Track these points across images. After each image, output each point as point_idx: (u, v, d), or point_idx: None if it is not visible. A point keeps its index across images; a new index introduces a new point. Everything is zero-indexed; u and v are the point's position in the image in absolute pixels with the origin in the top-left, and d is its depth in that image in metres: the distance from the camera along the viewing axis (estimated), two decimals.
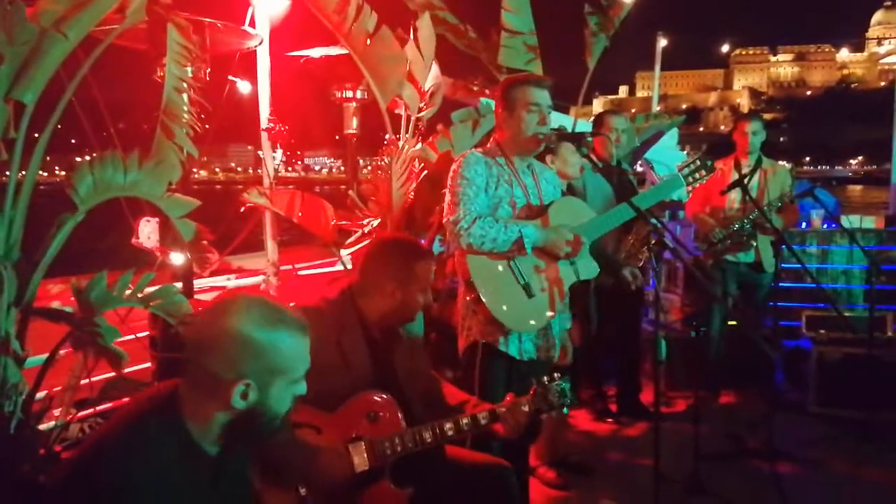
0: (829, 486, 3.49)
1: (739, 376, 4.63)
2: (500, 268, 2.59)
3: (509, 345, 2.67)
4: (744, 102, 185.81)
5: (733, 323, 4.58)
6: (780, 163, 4.65)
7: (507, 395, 2.16)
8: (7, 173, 2.23)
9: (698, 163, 3.01)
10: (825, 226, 5.52)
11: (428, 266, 2.18)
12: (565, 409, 2.18)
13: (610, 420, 4.32)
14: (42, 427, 2.47)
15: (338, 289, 2.17)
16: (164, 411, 1.37)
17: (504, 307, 2.58)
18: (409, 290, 2.13)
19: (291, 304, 1.51)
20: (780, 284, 5.05)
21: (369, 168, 3.89)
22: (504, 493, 2.27)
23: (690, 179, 3.00)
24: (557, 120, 5.39)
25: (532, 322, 2.63)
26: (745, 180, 4.31)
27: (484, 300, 2.58)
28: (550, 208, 2.73)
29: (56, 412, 2.87)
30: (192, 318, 1.43)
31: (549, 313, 2.66)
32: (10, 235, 2.12)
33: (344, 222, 3.66)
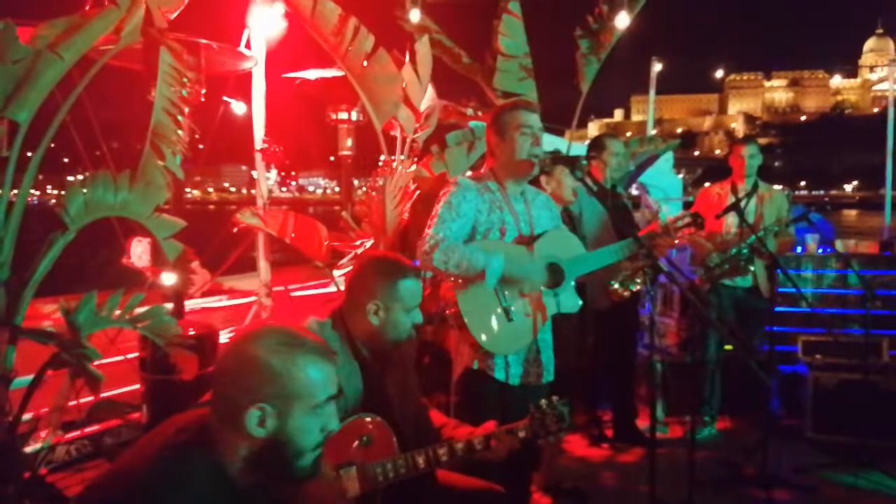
0: None
1: (736, 402, 4.60)
2: (485, 292, 2.57)
3: (498, 369, 2.64)
4: (738, 127, 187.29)
5: (729, 348, 4.55)
6: (777, 187, 4.66)
7: (489, 422, 2.13)
8: None
9: (688, 219, 3.03)
10: (820, 250, 5.53)
11: (412, 285, 2.11)
12: (563, 434, 2.15)
13: (605, 445, 4.28)
14: (28, 449, 2.44)
15: (329, 310, 2.14)
16: (196, 438, 1.35)
17: (484, 330, 2.57)
18: (391, 310, 2.08)
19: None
20: (776, 309, 5.05)
21: (364, 189, 3.88)
22: None
23: (680, 234, 3.02)
24: (551, 143, 5.41)
25: (512, 345, 2.61)
26: (743, 204, 4.31)
27: (465, 322, 2.56)
28: (539, 240, 2.72)
29: (43, 434, 2.83)
30: (223, 350, 1.42)
31: (530, 339, 2.64)
32: (0, 255, 2.10)
33: (337, 243, 3.65)
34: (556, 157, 2.82)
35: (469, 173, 2.96)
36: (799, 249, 5.62)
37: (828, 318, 5.25)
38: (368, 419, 2.01)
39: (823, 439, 4.26)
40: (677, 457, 3.71)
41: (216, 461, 1.34)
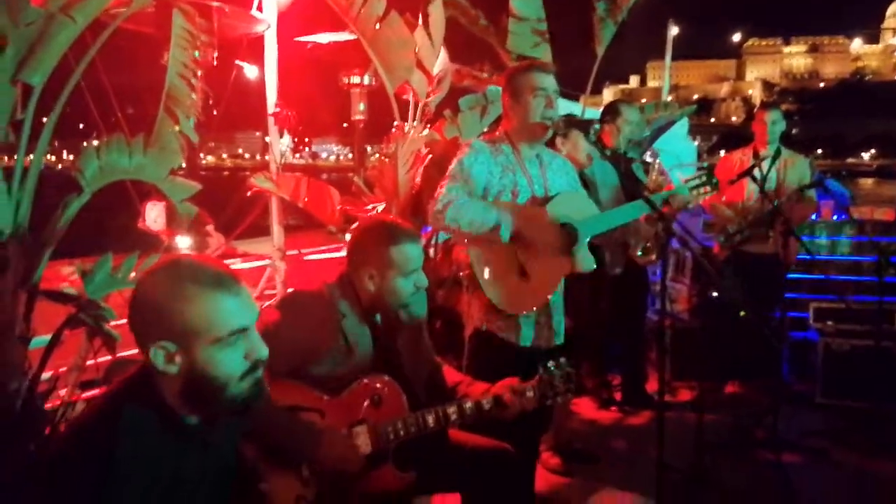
0: (833, 477, 3.48)
1: (746, 367, 4.61)
2: (498, 251, 2.57)
3: (508, 331, 2.67)
4: (756, 94, 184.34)
5: (742, 314, 4.55)
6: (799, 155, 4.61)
7: (509, 378, 2.15)
8: (15, 157, 2.24)
9: (703, 178, 3.01)
10: (835, 217, 5.48)
11: (410, 249, 2.07)
12: (570, 395, 2.18)
13: (614, 409, 4.32)
14: (47, 407, 2.49)
15: (337, 273, 2.16)
16: (137, 385, 1.35)
17: (497, 290, 2.59)
18: (387, 275, 2.06)
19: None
20: (788, 275, 5.03)
21: (377, 156, 3.88)
22: (507, 477, 2.27)
23: (693, 195, 3.02)
24: (566, 107, 5.36)
25: (528, 305, 2.63)
26: (765, 170, 4.28)
27: (480, 282, 2.58)
28: (552, 201, 2.71)
29: (62, 392, 2.89)
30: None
31: (545, 298, 2.65)
32: (17, 216, 2.13)
33: (349, 208, 3.66)
34: (570, 120, 2.80)
35: (483, 135, 2.95)
36: (814, 216, 5.58)
37: (841, 284, 5.22)
38: (379, 379, 2.04)
39: (833, 405, 4.28)
40: (686, 420, 3.76)
41: (159, 402, 1.34)
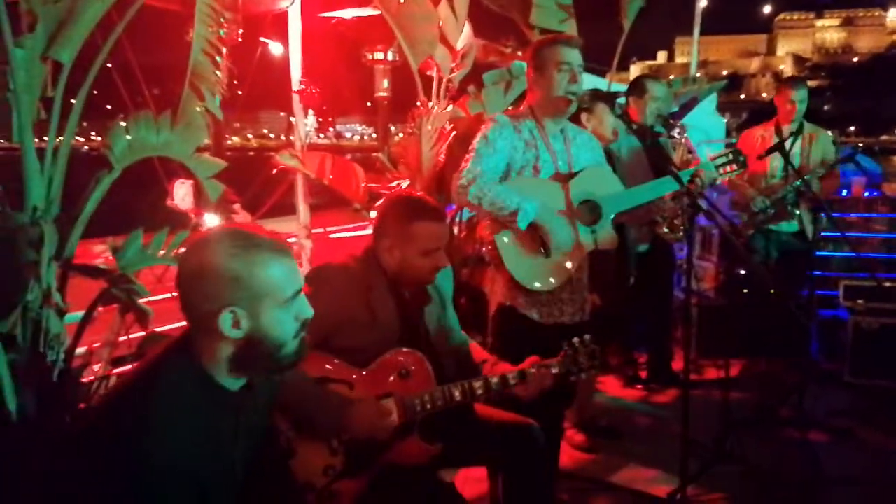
0: (859, 456, 3.46)
1: (773, 346, 4.57)
2: (521, 227, 2.57)
3: (531, 308, 2.67)
4: (787, 69, 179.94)
5: (772, 292, 4.50)
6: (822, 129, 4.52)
7: (532, 357, 2.16)
8: (46, 137, 2.28)
9: (731, 156, 2.97)
10: (867, 194, 5.37)
11: (431, 227, 2.07)
12: (595, 372, 2.18)
13: (639, 386, 4.31)
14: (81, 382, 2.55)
15: (363, 247, 2.18)
16: (178, 352, 1.40)
17: (521, 266, 2.59)
18: (407, 251, 2.06)
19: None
20: (819, 253, 4.96)
21: (401, 136, 3.87)
22: (532, 452, 2.29)
23: (722, 171, 2.98)
24: (591, 83, 5.29)
25: (550, 281, 2.63)
26: (788, 146, 4.20)
27: (503, 258, 2.59)
28: (575, 178, 2.70)
29: (95, 367, 2.96)
30: (178, 262, 1.45)
31: (567, 275, 2.65)
32: (49, 192, 2.17)
33: (374, 185, 3.67)
34: (595, 94, 2.77)
35: (507, 111, 2.93)
36: (844, 192, 5.48)
37: (872, 262, 5.13)
38: (407, 352, 2.06)
39: (862, 384, 4.23)
40: (712, 398, 3.74)
41: (199, 367, 1.39)
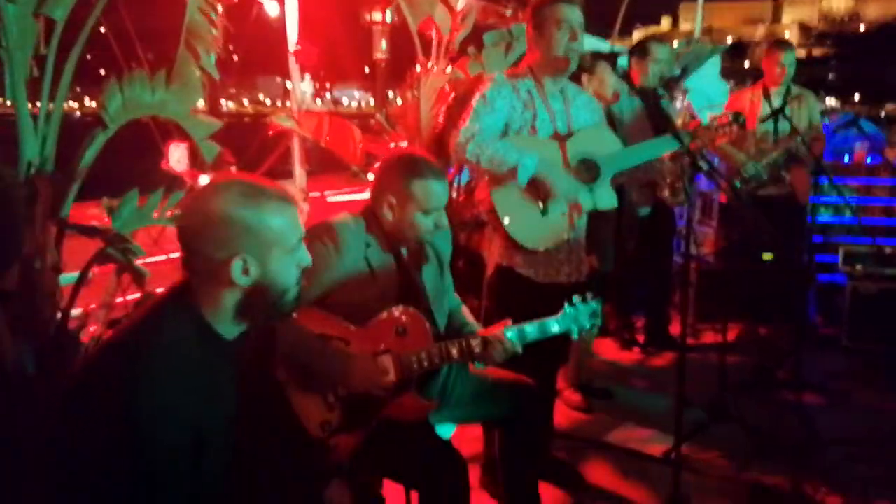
0: (854, 417, 3.48)
1: (771, 311, 4.57)
2: (519, 186, 2.56)
3: (529, 267, 2.66)
4: (793, 37, 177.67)
5: (768, 257, 4.49)
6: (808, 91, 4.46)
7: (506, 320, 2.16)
8: (38, 103, 2.26)
9: (731, 117, 2.93)
10: (869, 159, 5.32)
11: (432, 186, 2.06)
12: (595, 330, 2.19)
13: (636, 350, 4.34)
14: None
15: (363, 205, 2.17)
16: (176, 299, 1.41)
17: (519, 225, 2.59)
18: (408, 209, 2.06)
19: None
20: (818, 219, 4.93)
21: (399, 101, 3.82)
22: (528, 410, 2.31)
23: (722, 132, 2.95)
24: (593, 45, 5.23)
25: (547, 240, 2.62)
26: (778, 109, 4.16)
27: (500, 217, 2.58)
28: (573, 136, 2.68)
29: (92, 329, 2.97)
30: (181, 211, 1.46)
31: (565, 235, 2.64)
32: (43, 150, 2.16)
33: (371, 146, 3.64)
34: (597, 54, 2.74)
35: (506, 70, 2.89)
36: (846, 158, 5.43)
37: (874, 228, 5.10)
38: (404, 310, 2.06)
39: (859, 348, 4.25)
40: (709, 361, 3.77)
41: (199, 316, 1.40)
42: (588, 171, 2.65)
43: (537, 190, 2.57)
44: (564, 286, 2.65)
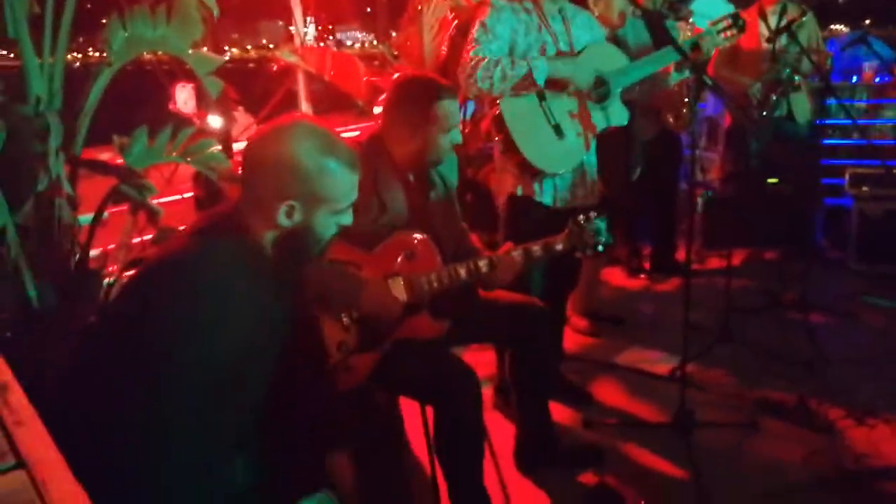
0: (861, 337, 3.53)
1: (778, 235, 4.58)
2: (532, 110, 2.56)
3: (544, 193, 2.68)
4: None
5: (773, 181, 4.48)
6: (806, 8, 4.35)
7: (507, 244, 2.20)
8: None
9: (729, 20, 2.88)
10: (878, 79, 5.23)
11: (447, 106, 2.10)
12: (601, 248, 2.21)
13: (643, 276, 4.38)
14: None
15: (368, 133, 2.19)
16: (231, 222, 1.43)
17: (536, 148, 2.59)
18: (427, 133, 2.10)
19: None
20: (825, 141, 4.89)
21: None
22: (537, 333, 2.37)
23: (720, 38, 2.91)
24: None
25: (564, 162, 2.63)
26: (775, 27, 4.06)
27: (516, 142, 2.58)
28: (580, 54, 2.66)
29: (111, 269, 3.02)
30: (251, 140, 1.48)
31: (582, 155, 2.65)
32: (51, 85, 2.17)
33: (375, 78, 3.62)
34: None
35: None
36: (854, 78, 5.34)
37: (882, 149, 5.06)
38: (413, 235, 2.10)
39: (867, 270, 4.27)
40: (715, 286, 3.81)
41: (250, 238, 1.44)
42: (597, 87, 2.65)
43: (556, 84, 2.58)
44: (579, 210, 2.69)
